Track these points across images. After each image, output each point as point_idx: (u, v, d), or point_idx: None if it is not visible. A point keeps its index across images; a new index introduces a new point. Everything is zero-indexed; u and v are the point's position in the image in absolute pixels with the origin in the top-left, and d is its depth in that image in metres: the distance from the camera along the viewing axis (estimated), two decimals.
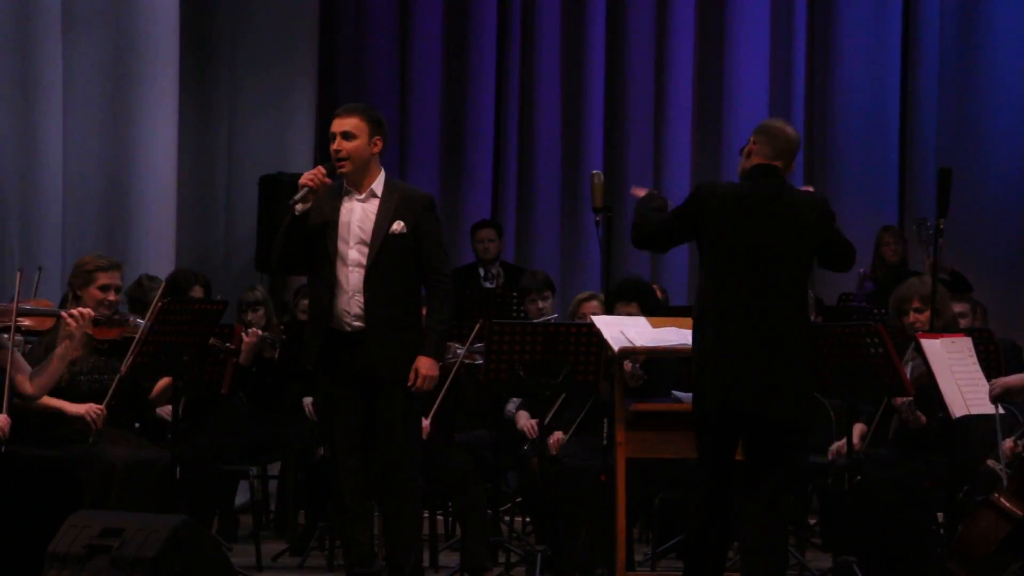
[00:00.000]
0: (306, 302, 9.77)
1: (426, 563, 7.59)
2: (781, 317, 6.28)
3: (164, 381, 7.67)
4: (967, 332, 7.61)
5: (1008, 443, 7.14)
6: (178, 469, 7.38)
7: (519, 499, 9.41)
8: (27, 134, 9.89)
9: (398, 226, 6.82)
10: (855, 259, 6.68)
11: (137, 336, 7.31)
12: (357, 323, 6.80)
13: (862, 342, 7.21)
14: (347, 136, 6.85)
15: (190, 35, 10.98)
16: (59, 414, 7.36)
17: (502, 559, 8.36)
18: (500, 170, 12.61)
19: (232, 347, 7.73)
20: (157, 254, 10.16)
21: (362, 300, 6.77)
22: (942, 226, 7.60)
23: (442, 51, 12.52)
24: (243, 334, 8.22)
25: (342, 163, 6.84)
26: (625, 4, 12.64)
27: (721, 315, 6.26)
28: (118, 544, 5.92)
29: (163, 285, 8.29)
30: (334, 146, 6.86)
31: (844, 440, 7.64)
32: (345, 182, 6.89)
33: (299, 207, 6.77)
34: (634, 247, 6.75)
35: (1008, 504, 6.41)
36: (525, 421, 8.43)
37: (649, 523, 8.79)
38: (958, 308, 8.92)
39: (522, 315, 9.58)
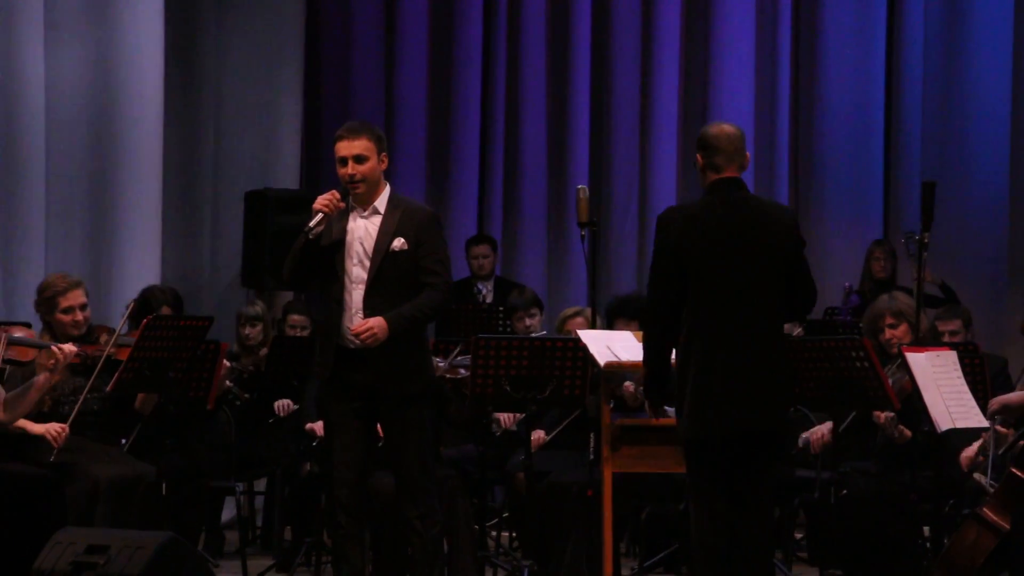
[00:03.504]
0: (295, 317, 9.84)
1: None
2: (757, 329, 6.22)
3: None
4: (952, 345, 7.61)
5: (971, 450, 7.15)
6: (164, 485, 7.37)
7: (506, 514, 9.40)
8: (10, 147, 9.86)
9: (398, 243, 6.76)
10: (815, 304, 6.53)
11: (104, 353, 7.30)
12: (359, 340, 6.76)
13: (847, 355, 7.21)
14: (359, 159, 6.75)
15: (175, 49, 10.96)
16: (23, 434, 7.34)
17: (489, 574, 8.36)
18: (486, 185, 12.59)
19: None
20: (142, 270, 10.14)
21: (363, 317, 6.71)
22: (926, 240, 7.61)
23: (427, 66, 12.51)
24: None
25: (357, 185, 6.76)
26: (610, 18, 12.65)
27: (701, 336, 6.20)
28: (104, 561, 5.92)
29: (132, 305, 8.28)
30: (347, 170, 6.74)
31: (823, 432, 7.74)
32: (351, 199, 6.83)
33: (314, 232, 6.72)
34: (647, 340, 6.32)
35: (995, 517, 6.42)
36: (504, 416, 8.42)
37: (636, 537, 8.79)
38: (950, 326, 8.89)
39: (509, 332, 9.54)
